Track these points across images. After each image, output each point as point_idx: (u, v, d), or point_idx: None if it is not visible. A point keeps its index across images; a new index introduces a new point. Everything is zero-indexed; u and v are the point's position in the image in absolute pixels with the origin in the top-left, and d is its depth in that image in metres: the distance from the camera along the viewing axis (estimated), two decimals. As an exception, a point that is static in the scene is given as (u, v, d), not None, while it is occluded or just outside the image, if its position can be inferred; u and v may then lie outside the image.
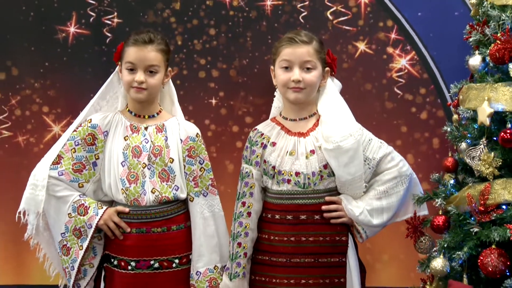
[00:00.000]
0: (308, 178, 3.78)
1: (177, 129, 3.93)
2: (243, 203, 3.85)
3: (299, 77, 3.76)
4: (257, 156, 3.85)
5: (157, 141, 3.87)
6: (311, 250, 3.77)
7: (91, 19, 4.65)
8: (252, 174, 3.86)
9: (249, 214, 3.83)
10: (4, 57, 4.68)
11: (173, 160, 3.86)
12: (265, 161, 3.83)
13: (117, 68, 3.94)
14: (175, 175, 3.86)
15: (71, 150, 3.83)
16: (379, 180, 3.85)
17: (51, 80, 4.69)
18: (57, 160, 3.83)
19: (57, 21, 4.66)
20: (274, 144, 3.85)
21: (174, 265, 3.85)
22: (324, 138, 3.78)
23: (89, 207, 3.80)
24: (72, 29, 4.66)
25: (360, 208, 3.80)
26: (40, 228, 3.85)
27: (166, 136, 3.89)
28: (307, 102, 3.86)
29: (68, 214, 3.81)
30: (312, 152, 3.80)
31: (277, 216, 3.81)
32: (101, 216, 3.79)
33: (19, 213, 3.84)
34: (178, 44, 4.65)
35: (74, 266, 3.82)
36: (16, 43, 4.67)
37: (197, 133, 3.96)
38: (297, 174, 3.78)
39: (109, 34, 4.63)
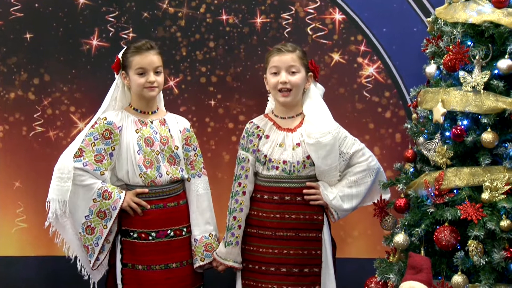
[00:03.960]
0: (293, 166, 3.79)
1: (175, 122, 3.96)
2: (239, 184, 3.86)
3: (285, 79, 3.77)
4: (254, 145, 3.86)
5: (163, 132, 3.87)
6: (292, 226, 3.78)
7: (110, 34, 4.61)
8: (249, 159, 3.86)
9: (243, 193, 3.85)
10: (38, 65, 4.64)
11: (178, 147, 3.89)
12: (258, 150, 3.84)
13: (119, 76, 3.90)
14: (180, 160, 3.89)
15: (91, 144, 3.78)
16: (351, 171, 3.86)
17: (77, 85, 4.64)
18: (79, 154, 3.77)
19: (82, 36, 4.62)
20: (267, 136, 3.85)
21: (183, 233, 3.88)
22: (307, 134, 3.78)
23: (112, 192, 3.76)
24: (94, 42, 4.61)
25: (334, 193, 3.81)
26: (61, 215, 3.79)
27: (169, 128, 3.91)
28: (294, 103, 3.86)
29: (93, 199, 3.75)
30: (298, 145, 3.80)
31: (265, 196, 3.83)
32: (123, 199, 3.75)
33: (48, 202, 3.80)
34: (183, 55, 4.61)
35: (99, 243, 3.79)
36: (48, 53, 4.63)
37: (190, 125, 4.01)
38: (284, 162, 3.79)
39: (125, 46, 4.54)
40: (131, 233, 3.82)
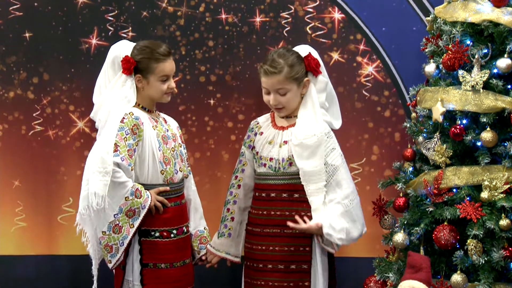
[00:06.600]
0: (279, 163, 3.75)
1: (171, 120, 3.95)
2: (236, 177, 3.89)
3: (275, 102, 3.73)
4: (251, 141, 3.87)
5: (169, 130, 3.86)
6: (278, 222, 3.74)
7: (109, 33, 4.60)
8: (245, 154, 3.87)
9: (239, 186, 3.87)
10: (37, 65, 4.62)
11: (181, 144, 3.90)
12: (254, 147, 3.84)
13: (132, 78, 3.76)
14: (184, 156, 3.89)
15: (124, 138, 3.65)
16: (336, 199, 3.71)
17: (76, 84, 4.63)
18: (115, 148, 3.64)
19: (81, 35, 4.60)
20: (262, 133, 3.85)
21: (190, 228, 3.89)
22: (294, 135, 3.73)
23: (141, 190, 3.69)
24: (94, 41, 4.60)
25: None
26: (96, 211, 3.62)
27: (171, 127, 3.90)
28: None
29: (126, 197, 3.65)
30: (285, 142, 3.76)
31: (257, 194, 3.83)
32: (151, 198, 3.69)
33: (93, 194, 3.59)
34: (182, 54, 4.59)
35: (124, 242, 3.68)
36: (47, 52, 4.61)
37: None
38: (271, 159, 3.77)
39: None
40: (152, 233, 3.74)
